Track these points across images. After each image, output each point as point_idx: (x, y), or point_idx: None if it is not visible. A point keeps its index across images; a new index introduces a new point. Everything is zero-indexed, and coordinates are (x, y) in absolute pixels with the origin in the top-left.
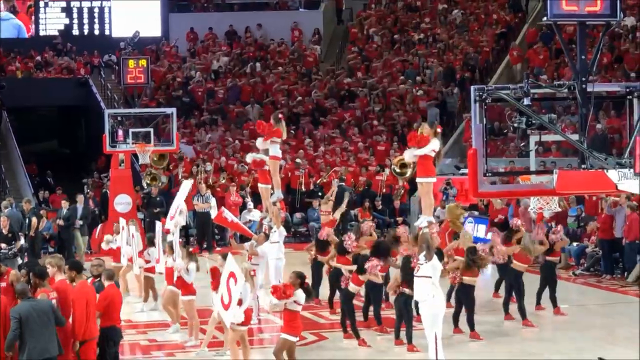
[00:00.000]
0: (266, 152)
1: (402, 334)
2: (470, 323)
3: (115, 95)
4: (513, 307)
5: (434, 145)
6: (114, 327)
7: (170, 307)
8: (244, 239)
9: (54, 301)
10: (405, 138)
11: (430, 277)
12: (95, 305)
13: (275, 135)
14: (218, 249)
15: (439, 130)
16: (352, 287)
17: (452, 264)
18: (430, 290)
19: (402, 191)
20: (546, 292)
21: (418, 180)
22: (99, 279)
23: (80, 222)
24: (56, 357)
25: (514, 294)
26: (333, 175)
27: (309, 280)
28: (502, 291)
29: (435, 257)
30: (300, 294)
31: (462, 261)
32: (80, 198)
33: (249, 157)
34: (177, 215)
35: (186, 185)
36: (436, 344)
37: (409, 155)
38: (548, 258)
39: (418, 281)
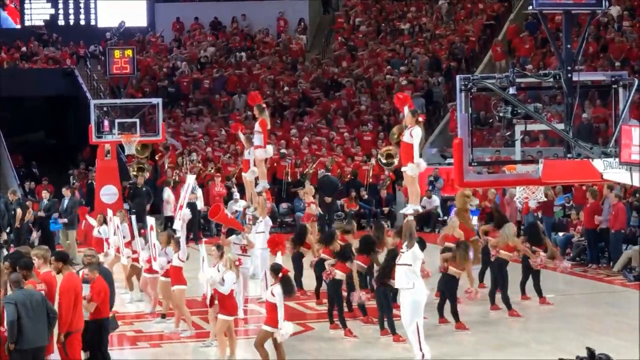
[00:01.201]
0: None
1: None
2: (454, 314)
3: (101, 85)
4: (499, 297)
5: (418, 134)
6: (107, 319)
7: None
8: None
9: (42, 292)
10: (391, 128)
11: (411, 265)
12: (80, 298)
13: (260, 125)
14: (205, 239)
15: (420, 119)
16: (339, 274)
17: (445, 254)
18: (410, 278)
19: (388, 181)
20: (531, 283)
21: (403, 169)
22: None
23: (65, 220)
24: (45, 347)
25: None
26: (319, 166)
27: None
28: (487, 281)
29: (416, 246)
30: (276, 288)
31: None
32: (66, 192)
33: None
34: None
35: (190, 180)
36: (419, 333)
37: (411, 169)
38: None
39: (399, 269)
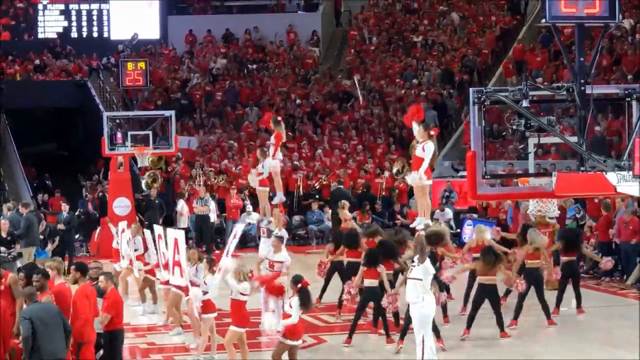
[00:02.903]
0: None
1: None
2: (498, 323)
3: (113, 97)
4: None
5: (430, 149)
6: (122, 330)
7: (174, 309)
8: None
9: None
10: (404, 140)
11: (422, 280)
12: (95, 308)
13: (275, 138)
14: (217, 252)
15: (432, 132)
16: (367, 282)
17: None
18: (420, 292)
19: (397, 191)
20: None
21: (409, 181)
22: (96, 282)
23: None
24: None
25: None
26: (332, 178)
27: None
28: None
29: (428, 260)
30: (294, 300)
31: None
32: (22, 209)
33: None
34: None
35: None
36: (423, 346)
37: (413, 179)
38: (563, 258)
39: (409, 283)
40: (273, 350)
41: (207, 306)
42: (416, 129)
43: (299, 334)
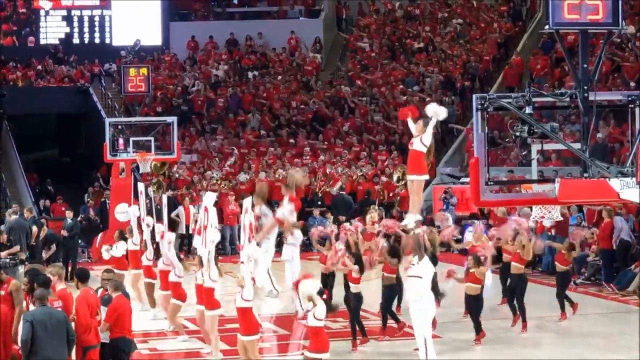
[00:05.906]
0: None
1: None
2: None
3: (115, 103)
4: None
5: (427, 135)
6: (125, 338)
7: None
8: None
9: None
10: (405, 147)
11: (421, 278)
12: (95, 314)
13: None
14: (219, 258)
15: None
16: (353, 287)
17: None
18: (420, 290)
19: (398, 198)
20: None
21: (409, 177)
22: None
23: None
24: None
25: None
26: (333, 184)
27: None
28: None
29: (426, 258)
30: (319, 309)
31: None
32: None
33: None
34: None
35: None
36: (426, 345)
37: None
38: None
39: (409, 281)
40: None
41: (210, 302)
42: (412, 125)
43: (326, 344)
